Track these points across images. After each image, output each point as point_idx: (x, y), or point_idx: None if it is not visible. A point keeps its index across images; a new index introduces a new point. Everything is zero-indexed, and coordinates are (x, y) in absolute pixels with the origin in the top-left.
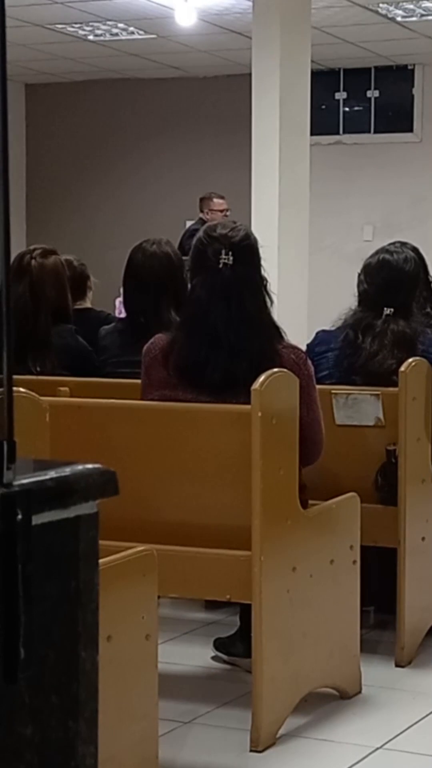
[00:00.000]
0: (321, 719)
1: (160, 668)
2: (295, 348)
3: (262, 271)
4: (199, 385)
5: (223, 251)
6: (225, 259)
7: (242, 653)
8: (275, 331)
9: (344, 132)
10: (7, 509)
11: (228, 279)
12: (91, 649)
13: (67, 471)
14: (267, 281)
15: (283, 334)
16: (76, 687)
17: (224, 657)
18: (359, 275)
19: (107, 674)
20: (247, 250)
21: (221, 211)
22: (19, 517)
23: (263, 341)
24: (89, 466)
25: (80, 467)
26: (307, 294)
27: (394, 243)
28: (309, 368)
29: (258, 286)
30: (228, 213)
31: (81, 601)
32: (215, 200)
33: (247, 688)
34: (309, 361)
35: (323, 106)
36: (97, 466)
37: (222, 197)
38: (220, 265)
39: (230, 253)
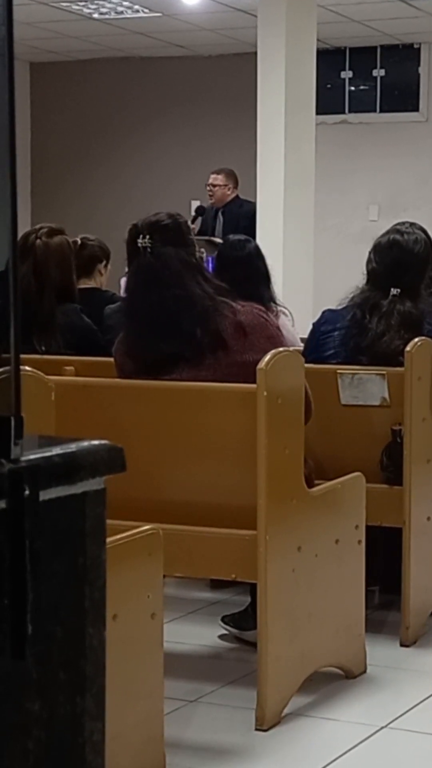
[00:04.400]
0: (326, 698)
1: (165, 647)
2: (252, 305)
3: (192, 249)
4: (149, 370)
5: (141, 235)
6: (142, 242)
7: (253, 626)
8: (212, 303)
9: (350, 111)
10: (15, 485)
11: (148, 261)
12: (99, 625)
13: (74, 447)
14: (198, 258)
15: (229, 301)
16: (84, 663)
17: (235, 631)
18: (369, 254)
19: (113, 653)
20: (164, 230)
21: (214, 186)
22: (27, 492)
23: (193, 315)
24: (96, 442)
25: (87, 443)
26: (312, 273)
27: (404, 223)
28: (271, 320)
29: (184, 263)
30: (219, 188)
31: (88, 578)
32: (210, 176)
33: (252, 667)
34: (270, 315)
35: (329, 85)
36: (104, 442)
37: (217, 172)
38: (140, 249)
39: (146, 235)
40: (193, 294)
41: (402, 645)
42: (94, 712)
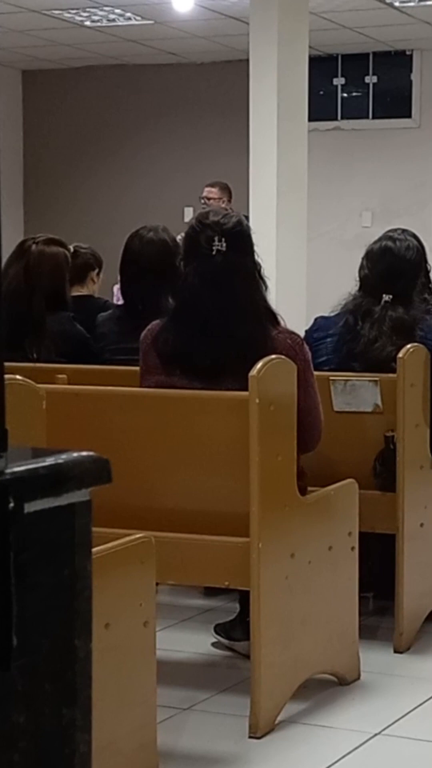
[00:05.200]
0: (320, 705)
1: (158, 655)
2: (291, 333)
3: (255, 257)
4: (189, 372)
5: (216, 238)
6: (217, 245)
7: (243, 637)
8: (269, 317)
9: (342, 118)
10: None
11: (220, 266)
12: (85, 637)
13: (60, 459)
14: (260, 267)
15: (279, 320)
16: (71, 675)
17: (225, 642)
18: (362, 260)
19: (105, 661)
20: (239, 237)
21: (209, 198)
22: (11, 505)
23: (254, 327)
24: (82, 453)
25: (73, 455)
26: (305, 280)
27: (397, 230)
28: (306, 353)
29: (250, 272)
30: (213, 201)
31: (75, 589)
32: (205, 189)
33: (246, 674)
34: (306, 346)
35: (321, 92)
36: (90, 453)
37: (212, 185)
38: (213, 252)
39: (222, 239)
40: (258, 307)
41: (396, 651)
42: (81, 724)
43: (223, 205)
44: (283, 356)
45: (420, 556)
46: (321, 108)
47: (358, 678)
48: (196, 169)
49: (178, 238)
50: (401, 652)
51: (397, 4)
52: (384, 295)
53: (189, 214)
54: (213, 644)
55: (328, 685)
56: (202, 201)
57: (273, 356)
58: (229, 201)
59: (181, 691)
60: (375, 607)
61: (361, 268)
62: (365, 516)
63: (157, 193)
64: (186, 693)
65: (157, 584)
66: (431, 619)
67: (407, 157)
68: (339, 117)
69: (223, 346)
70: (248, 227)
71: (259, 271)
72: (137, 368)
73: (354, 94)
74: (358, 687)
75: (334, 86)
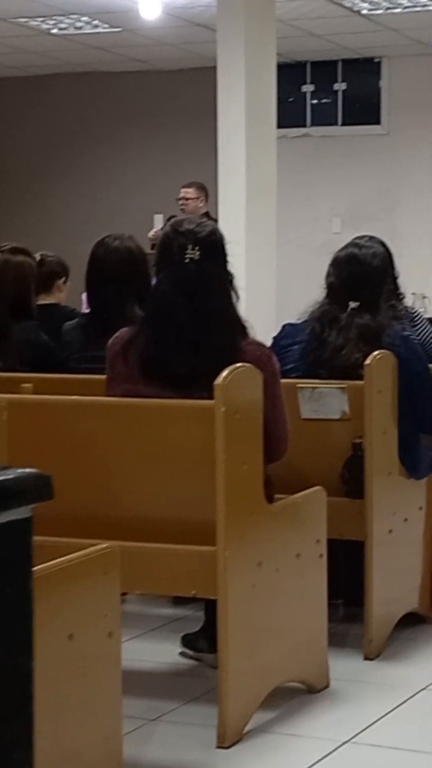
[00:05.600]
0: (288, 714)
1: (126, 665)
2: (259, 344)
3: (228, 267)
4: (162, 380)
5: (189, 246)
6: (191, 254)
7: (208, 649)
8: (240, 328)
9: (311, 125)
10: None
11: (193, 274)
12: (27, 655)
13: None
14: (233, 277)
15: (248, 331)
16: (11, 693)
17: (190, 653)
18: (328, 267)
19: (69, 672)
20: (213, 246)
21: (187, 199)
22: None
23: (227, 337)
24: (24, 470)
25: (14, 472)
26: (275, 286)
27: (363, 237)
28: (274, 364)
29: (223, 281)
30: (191, 201)
31: (15, 608)
32: (181, 190)
33: (214, 684)
34: (274, 358)
35: (290, 99)
36: (32, 470)
37: (188, 186)
38: (186, 260)
39: (196, 248)
40: (229, 317)
41: (365, 658)
42: (22, 741)
43: (201, 205)
44: (249, 364)
45: (389, 563)
46: (290, 115)
47: (328, 686)
48: (165, 176)
49: (152, 233)
50: (371, 659)
51: (364, 12)
52: (350, 302)
53: (159, 221)
54: (180, 654)
55: (297, 694)
56: (180, 202)
57: (239, 364)
58: (206, 201)
59: (149, 702)
60: (344, 614)
61: (328, 275)
62: (334, 523)
63: (126, 201)
64: (153, 703)
65: (125, 594)
66: (401, 626)
67: (376, 164)
68: (308, 124)
69: (198, 354)
70: (222, 237)
71: (231, 281)
72: (103, 377)
73: (323, 101)
74: (328, 695)
75: (303, 93)
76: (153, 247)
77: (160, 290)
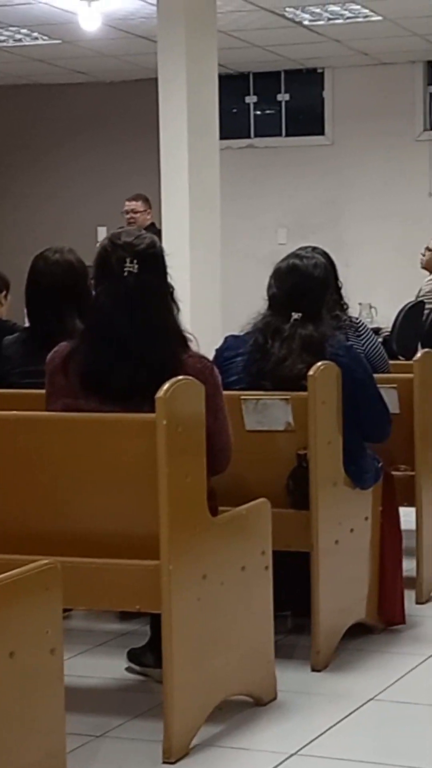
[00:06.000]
0: (235, 727)
1: (71, 682)
2: (201, 357)
3: (168, 279)
4: (103, 394)
5: (128, 259)
6: (129, 267)
7: (153, 664)
8: (180, 340)
9: (255, 136)
10: None
11: (132, 287)
12: None
13: None
14: (173, 289)
15: (189, 343)
16: None
17: (136, 668)
18: (269, 279)
19: (10, 690)
20: (151, 258)
21: (135, 212)
22: None
23: (167, 350)
24: None
25: None
26: (220, 298)
27: (305, 248)
28: (215, 378)
29: (163, 294)
30: (140, 214)
31: None
32: (126, 203)
33: (161, 698)
34: (215, 371)
35: (234, 110)
36: None
37: (134, 199)
38: (125, 273)
39: (135, 261)
40: (170, 330)
41: (313, 670)
42: None
43: (148, 217)
44: (190, 377)
45: (335, 573)
46: (234, 126)
47: (275, 698)
48: (108, 188)
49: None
50: (319, 671)
51: (306, 22)
52: (293, 313)
53: (102, 234)
54: (127, 669)
55: (245, 707)
56: (127, 216)
57: (180, 377)
58: (150, 212)
59: (94, 718)
60: (292, 625)
61: (269, 286)
62: (280, 534)
63: (69, 213)
64: (99, 719)
65: (70, 609)
66: (348, 637)
67: (321, 174)
68: (252, 135)
69: (138, 368)
70: (161, 249)
71: (171, 294)
72: (44, 391)
73: (266, 112)
74: (275, 707)
75: (247, 104)
76: None
77: (99, 304)
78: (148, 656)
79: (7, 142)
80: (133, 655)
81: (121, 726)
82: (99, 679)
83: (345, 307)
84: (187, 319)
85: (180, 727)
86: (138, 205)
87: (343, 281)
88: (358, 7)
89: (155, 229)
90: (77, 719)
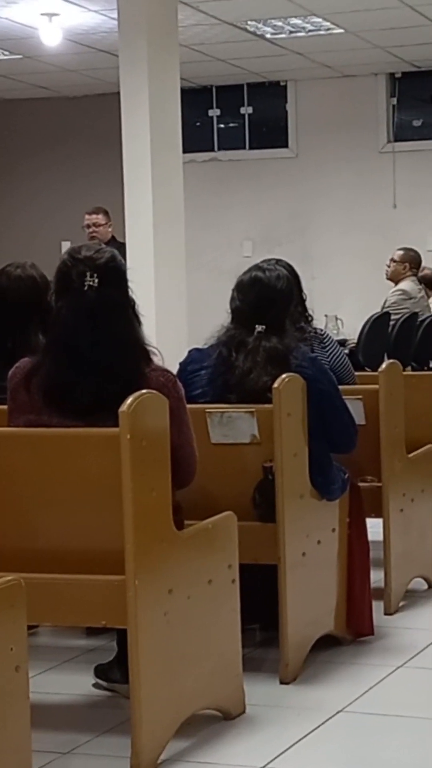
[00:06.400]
0: (204, 742)
1: (38, 698)
2: (164, 371)
3: (129, 293)
4: (66, 409)
5: (88, 273)
6: (90, 281)
7: (121, 679)
8: (143, 354)
9: (219, 149)
10: None
11: (93, 301)
12: None
13: None
14: (135, 302)
15: (152, 356)
16: None
17: (104, 684)
18: (232, 292)
19: None
20: (112, 272)
21: (97, 226)
22: None
23: (130, 364)
24: None
25: None
26: (186, 311)
27: (268, 260)
28: (179, 391)
29: (124, 308)
30: (102, 227)
31: None
32: (86, 216)
33: (128, 714)
34: (179, 384)
35: (197, 124)
36: None
37: (95, 212)
38: (85, 288)
39: (95, 275)
40: (131, 344)
41: (282, 682)
42: None
43: (110, 230)
44: (154, 391)
45: (303, 586)
46: (197, 139)
47: (244, 711)
48: (72, 203)
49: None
50: (287, 683)
51: (268, 36)
52: (257, 326)
53: (66, 248)
54: (94, 685)
55: (213, 721)
56: (89, 231)
57: (144, 391)
58: (110, 226)
59: (62, 735)
60: (261, 638)
61: (232, 299)
62: (247, 547)
63: (33, 229)
64: (66, 736)
65: (36, 626)
66: (317, 649)
67: (285, 187)
68: (216, 148)
69: (101, 382)
70: (122, 262)
71: (133, 307)
72: (5, 407)
73: (230, 124)
74: (244, 721)
75: (210, 117)
76: None
77: (61, 318)
78: (115, 672)
79: None
80: (101, 671)
81: (89, 742)
82: (66, 696)
83: (310, 318)
84: (152, 333)
85: (148, 743)
86: (99, 218)
87: (309, 293)
88: (320, 20)
89: (117, 243)
90: (44, 736)
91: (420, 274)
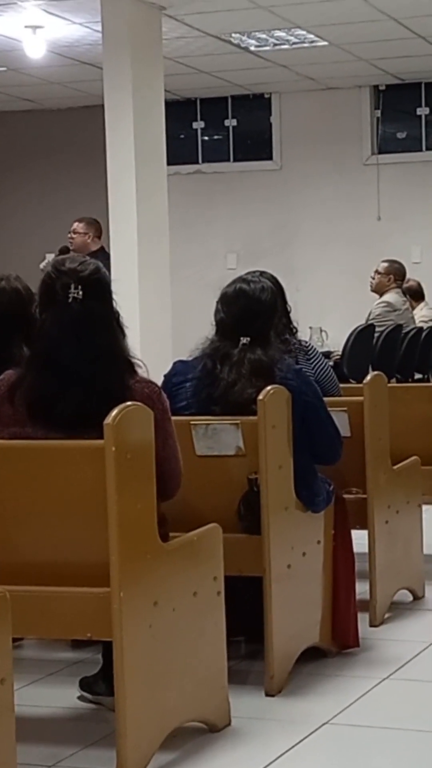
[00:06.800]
0: (189, 754)
1: (23, 711)
2: (149, 382)
3: (114, 305)
4: (50, 422)
5: (72, 285)
6: (74, 293)
7: (106, 692)
8: (127, 366)
9: (203, 161)
10: None
11: (78, 314)
12: None
13: None
14: (119, 314)
15: (136, 368)
16: None
17: (89, 696)
18: (216, 304)
19: None
20: (96, 284)
21: (75, 233)
22: None
23: (114, 376)
24: None
25: None
26: (170, 324)
27: (252, 272)
28: (163, 402)
29: (109, 320)
30: (78, 236)
31: None
32: (73, 223)
33: (114, 727)
34: (163, 395)
35: (181, 136)
36: None
37: (79, 220)
38: (70, 300)
39: (79, 287)
40: (116, 356)
41: (267, 695)
42: None
43: (89, 241)
44: (139, 403)
45: (288, 598)
46: (181, 151)
47: (229, 724)
48: (56, 215)
49: (43, 264)
50: (273, 695)
51: (252, 48)
52: (241, 338)
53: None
54: (79, 698)
55: (198, 733)
56: (69, 236)
57: (129, 403)
58: (98, 238)
59: (47, 748)
60: (246, 650)
61: (217, 311)
62: (232, 560)
63: (17, 241)
64: (51, 749)
65: (21, 639)
66: (302, 661)
67: (269, 199)
68: (200, 160)
69: (85, 395)
70: (106, 275)
71: (117, 319)
72: None
73: (214, 137)
74: (229, 733)
75: (194, 130)
76: None
77: (45, 331)
78: (100, 684)
79: None
80: (86, 684)
81: (74, 755)
82: (51, 709)
83: (294, 330)
84: (137, 345)
85: (133, 756)
86: (79, 226)
87: (294, 306)
88: (304, 32)
89: (105, 254)
90: (29, 749)
91: (405, 285)
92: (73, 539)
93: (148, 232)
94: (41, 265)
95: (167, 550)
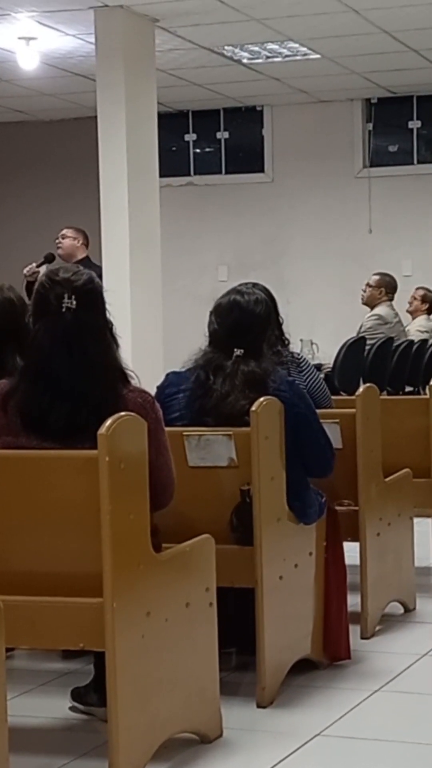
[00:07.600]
0: (181, 765)
1: (15, 722)
2: (142, 392)
3: (107, 315)
4: (44, 432)
5: (66, 295)
6: (68, 303)
7: (97, 702)
8: (120, 376)
9: (195, 173)
10: None
11: (70, 324)
12: None
13: None
14: (112, 325)
15: (130, 378)
16: None
17: (80, 707)
18: (210, 315)
19: None
20: (89, 294)
21: (64, 237)
22: None
23: (107, 387)
24: None
25: None
26: (161, 336)
27: (245, 284)
28: (157, 412)
29: (102, 330)
30: (68, 239)
31: None
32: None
33: (105, 737)
34: (157, 405)
35: (173, 148)
36: None
37: (68, 227)
38: (63, 310)
39: (73, 297)
40: (109, 366)
41: (259, 706)
42: None
43: (78, 245)
44: (132, 413)
45: (280, 610)
46: (173, 164)
47: (221, 735)
48: (48, 226)
49: (26, 269)
50: (264, 707)
51: (245, 61)
52: (235, 349)
53: (43, 271)
54: (71, 708)
55: (190, 744)
56: (57, 241)
57: (122, 413)
58: (85, 246)
59: (38, 759)
60: (238, 662)
61: (210, 323)
62: (224, 571)
63: (8, 252)
64: (43, 760)
65: (13, 649)
66: (294, 673)
67: (261, 212)
68: (192, 172)
69: (76, 406)
70: (99, 285)
71: (110, 329)
72: None
73: (206, 149)
74: (221, 744)
75: (186, 142)
76: (29, 284)
77: (38, 341)
78: (92, 695)
79: None
80: (77, 694)
81: (66, 766)
82: (42, 719)
83: (286, 342)
84: (128, 357)
85: (125, 766)
86: (68, 231)
87: (285, 318)
88: (297, 45)
89: (90, 263)
90: (21, 760)
91: (421, 294)
92: (66, 549)
93: (139, 244)
94: (25, 270)
95: (160, 561)
